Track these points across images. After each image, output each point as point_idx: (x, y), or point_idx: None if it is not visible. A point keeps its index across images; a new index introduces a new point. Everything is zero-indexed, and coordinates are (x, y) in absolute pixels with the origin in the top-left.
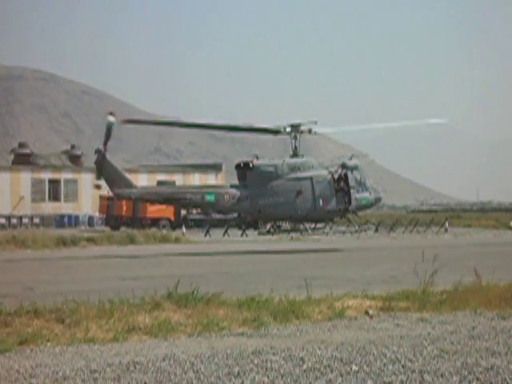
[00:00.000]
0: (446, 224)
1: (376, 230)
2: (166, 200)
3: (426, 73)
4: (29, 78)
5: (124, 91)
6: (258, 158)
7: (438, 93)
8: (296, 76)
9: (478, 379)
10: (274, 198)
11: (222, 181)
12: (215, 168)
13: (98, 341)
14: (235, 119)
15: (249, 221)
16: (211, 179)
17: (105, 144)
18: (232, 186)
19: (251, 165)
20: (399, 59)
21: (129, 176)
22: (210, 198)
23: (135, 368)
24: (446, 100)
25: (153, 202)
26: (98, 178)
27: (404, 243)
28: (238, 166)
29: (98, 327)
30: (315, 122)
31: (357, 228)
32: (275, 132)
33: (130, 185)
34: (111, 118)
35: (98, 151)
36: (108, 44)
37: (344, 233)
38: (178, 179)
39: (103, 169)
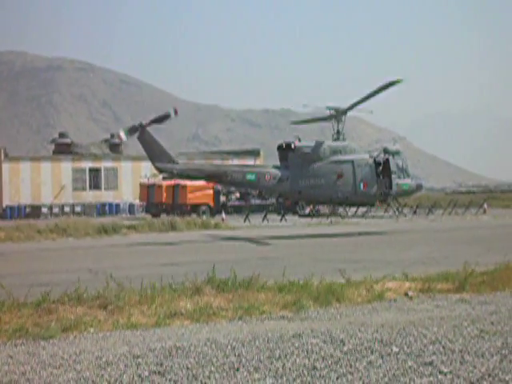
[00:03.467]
0: (485, 205)
1: (414, 213)
2: (208, 177)
3: (463, 54)
4: (67, 68)
5: (162, 79)
6: (300, 139)
7: (475, 73)
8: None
9: None
10: (314, 179)
11: None
12: (253, 154)
13: (141, 326)
14: (273, 103)
15: (287, 205)
16: None
17: (150, 122)
18: (274, 167)
19: (293, 146)
20: (430, 40)
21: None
22: (251, 176)
23: (177, 353)
24: (484, 81)
25: (194, 178)
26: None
27: (443, 225)
28: (279, 147)
29: (140, 313)
30: (371, 111)
31: (395, 211)
32: (323, 118)
33: (172, 160)
34: (172, 112)
35: (140, 125)
36: (145, 33)
37: (382, 216)
38: None
39: (145, 143)
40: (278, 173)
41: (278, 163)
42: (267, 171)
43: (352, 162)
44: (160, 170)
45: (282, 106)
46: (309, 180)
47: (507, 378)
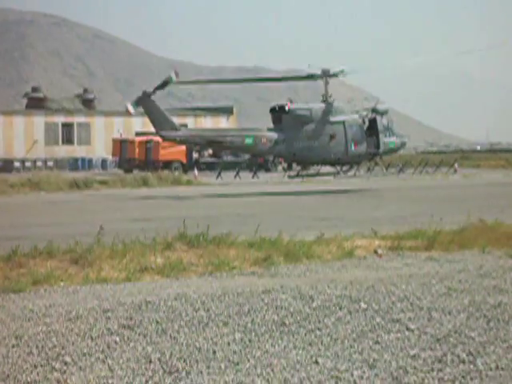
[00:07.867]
0: (456, 165)
1: (386, 169)
2: (209, 143)
3: (439, 15)
4: (41, 22)
5: (136, 35)
6: (292, 101)
7: (452, 35)
8: (303, 19)
9: (485, 316)
10: (308, 141)
11: (233, 123)
12: (226, 111)
13: (111, 281)
14: (246, 60)
15: (260, 163)
16: (222, 122)
17: (155, 90)
18: (269, 130)
19: (286, 108)
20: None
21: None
22: (249, 140)
23: (147, 307)
24: (461, 43)
25: (196, 144)
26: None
27: (413, 184)
28: (273, 110)
29: (110, 267)
30: (342, 71)
31: (382, 169)
32: (308, 78)
33: (175, 127)
34: (174, 76)
35: (144, 93)
36: None
37: (355, 175)
38: (190, 122)
39: (149, 111)
40: (273, 136)
41: (250, 120)
42: (263, 135)
43: (343, 122)
44: (163, 138)
45: (256, 63)
46: (303, 142)
47: (473, 335)
